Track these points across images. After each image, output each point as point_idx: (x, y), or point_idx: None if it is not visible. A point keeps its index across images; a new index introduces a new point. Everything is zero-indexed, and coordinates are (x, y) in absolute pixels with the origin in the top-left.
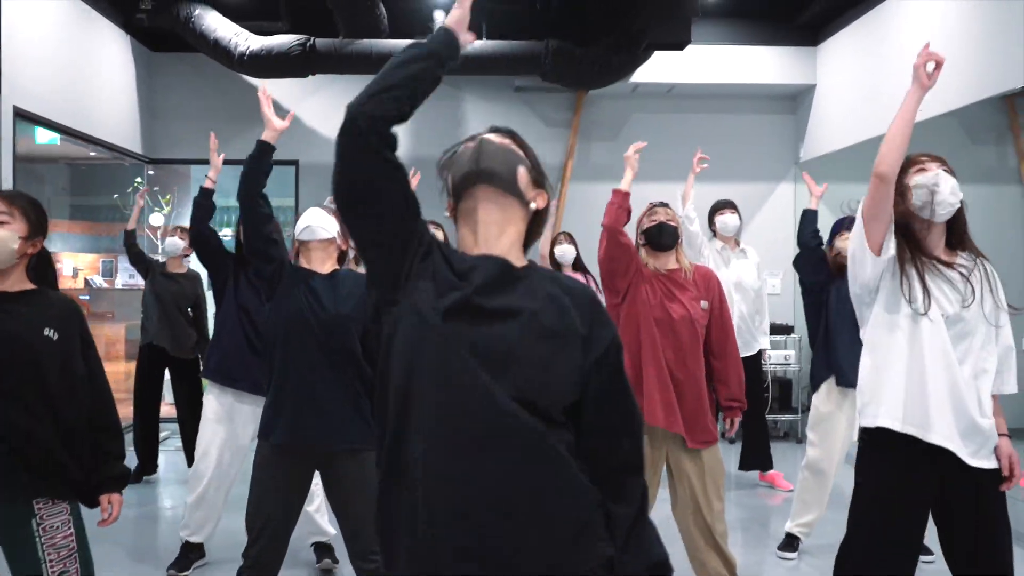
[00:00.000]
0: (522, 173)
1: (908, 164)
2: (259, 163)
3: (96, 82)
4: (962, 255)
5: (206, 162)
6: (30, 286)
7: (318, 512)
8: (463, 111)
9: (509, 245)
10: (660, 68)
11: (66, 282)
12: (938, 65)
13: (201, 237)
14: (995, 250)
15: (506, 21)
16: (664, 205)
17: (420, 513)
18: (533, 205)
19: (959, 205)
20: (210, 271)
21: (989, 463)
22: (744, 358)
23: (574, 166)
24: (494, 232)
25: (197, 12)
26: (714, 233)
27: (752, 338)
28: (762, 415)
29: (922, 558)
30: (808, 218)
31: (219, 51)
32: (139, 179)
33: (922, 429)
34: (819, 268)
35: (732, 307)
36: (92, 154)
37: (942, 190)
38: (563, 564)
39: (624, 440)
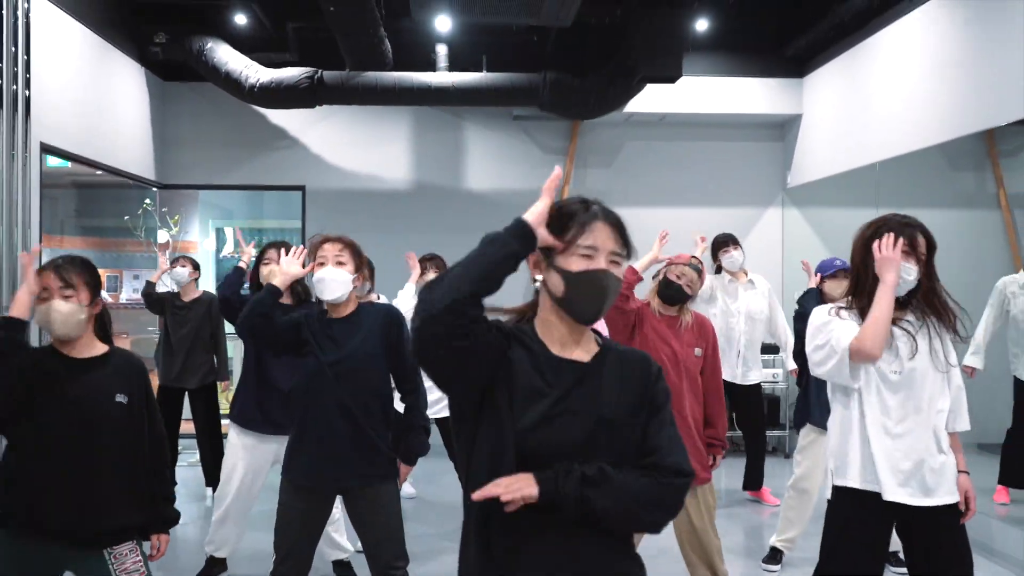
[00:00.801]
0: None
1: (903, 222)
2: (265, 305)
3: (113, 113)
4: (911, 313)
5: (214, 187)
6: (100, 348)
7: (337, 531)
8: (464, 139)
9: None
10: (653, 98)
11: None
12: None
13: (228, 303)
14: (976, 272)
15: (506, 54)
16: (695, 268)
17: None
18: None
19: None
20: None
21: (948, 499)
22: (749, 385)
23: (570, 192)
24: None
25: (209, 45)
26: (718, 268)
27: (757, 366)
28: (762, 437)
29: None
30: (810, 294)
31: (230, 83)
32: (148, 200)
33: (879, 486)
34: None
35: (741, 337)
36: (99, 173)
37: (905, 278)
38: None
39: None
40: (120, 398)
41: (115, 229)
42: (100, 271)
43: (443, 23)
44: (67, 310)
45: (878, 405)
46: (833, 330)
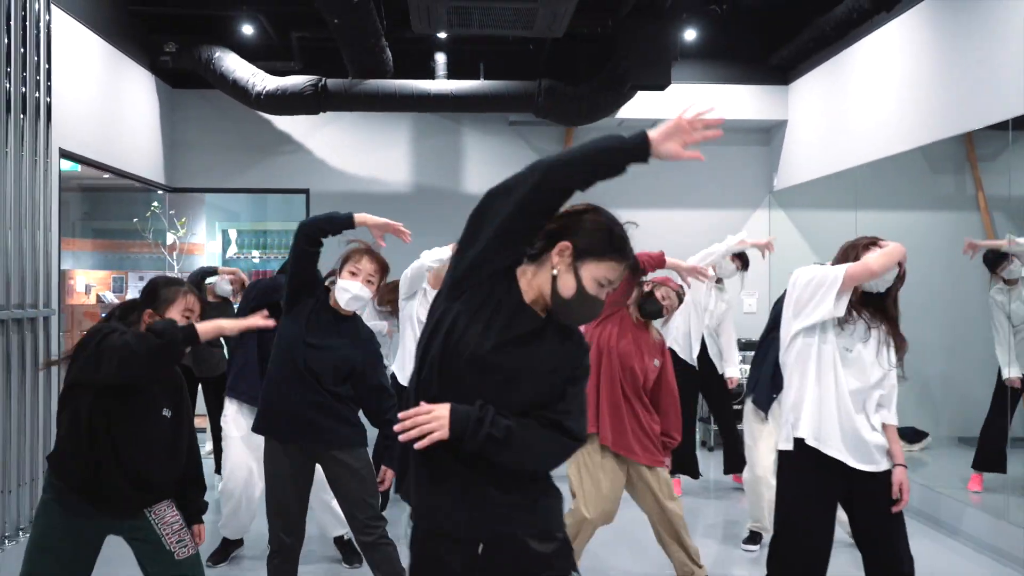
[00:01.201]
0: None
1: (872, 243)
2: (332, 224)
3: (124, 119)
4: (868, 312)
5: (221, 191)
6: None
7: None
8: (462, 143)
9: None
10: (644, 105)
11: (79, 298)
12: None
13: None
14: (954, 272)
15: (502, 62)
16: (679, 296)
17: None
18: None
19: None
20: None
21: (877, 467)
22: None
23: None
24: None
25: (217, 54)
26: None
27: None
28: (734, 426)
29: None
30: None
31: (237, 90)
32: (156, 203)
33: (822, 443)
34: None
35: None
36: (106, 176)
37: (885, 277)
38: None
39: None
40: (166, 412)
41: (122, 231)
42: (106, 272)
43: (442, 33)
44: None
45: (832, 374)
46: (827, 270)
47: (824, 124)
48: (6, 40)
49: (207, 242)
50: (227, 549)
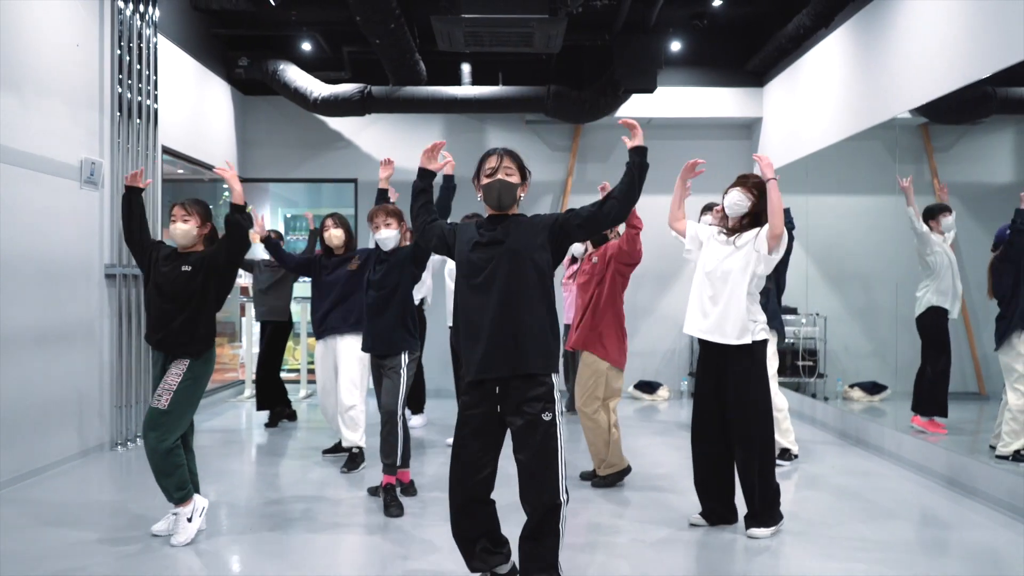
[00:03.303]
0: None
1: (733, 185)
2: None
3: (207, 122)
4: (748, 232)
5: (284, 180)
6: (200, 249)
7: (343, 423)
8: (485, 140)
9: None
10: (640, 105)
11: None
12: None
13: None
14: (910, 252)
15: (518, 71)
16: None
17: None
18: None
19: (746, 207)
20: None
21: (725, 340)
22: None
23: (573, 182)
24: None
25: (281, 67)
26: None
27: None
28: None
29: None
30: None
31: (298, 96)
32: (227, 193)
33: (688, 328)
34: None
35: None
36: (180, 171)
37: (727, 202)
38: None
39: None
40: (185, 268)
41: None
42: None
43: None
44: (184, 228)
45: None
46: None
47: (787, 119)
48: (128, 58)
49: (272, 226)
50: (355, 460)
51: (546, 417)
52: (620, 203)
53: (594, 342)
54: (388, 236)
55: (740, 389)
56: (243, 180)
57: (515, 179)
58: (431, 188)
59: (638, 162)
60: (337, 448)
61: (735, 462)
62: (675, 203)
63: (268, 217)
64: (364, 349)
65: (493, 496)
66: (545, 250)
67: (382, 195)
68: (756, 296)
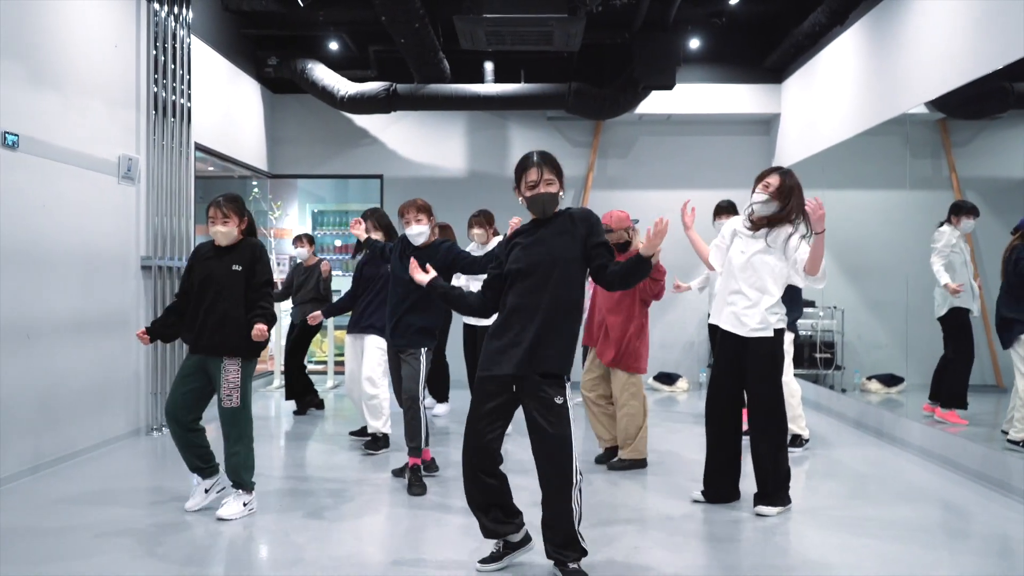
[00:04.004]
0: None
1: (759, 179)
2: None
3: (238, 119)
4: (780, 231)
5: (311, 176)
6: (235, 241)
7: (367, 411)
8: (508, 136)
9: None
10: (659, 102)
11: None
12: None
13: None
14: (924, 245)
15: (539, 69)
16: (610, 231)
17: None
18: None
19: (773, 208)
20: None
21: (745, 332)
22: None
23: (594, 178)
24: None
25: (309, 66)
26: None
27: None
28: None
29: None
30: None
31: (325, 94)
32: (256, 188)
33: (714, 318)
34: None
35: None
36: (210, 169)
37: (754, 202)
38: None
39: None
40: (236, 267)
41: None
42: None
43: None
44: (224, 230)
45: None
46: None
47: (809, 114)
48: (163, 58)
49: (300, 223)
50: (377, 443)
51: (558, 400)
52: (615, 282)
53: (632, 362)
54: (419, 232)
55: (757, 377)
56: (271, 176)
57: (555, 187)
58: (441, 282)
59: (644, 262)
60: (363, 432)
61: (750, 444)
62: (699, 249)
63: (296, 214)
64: (385, 339)
65: (506, 472)
66: (581, 264)
67: (368, 243)
68: (780, 291)
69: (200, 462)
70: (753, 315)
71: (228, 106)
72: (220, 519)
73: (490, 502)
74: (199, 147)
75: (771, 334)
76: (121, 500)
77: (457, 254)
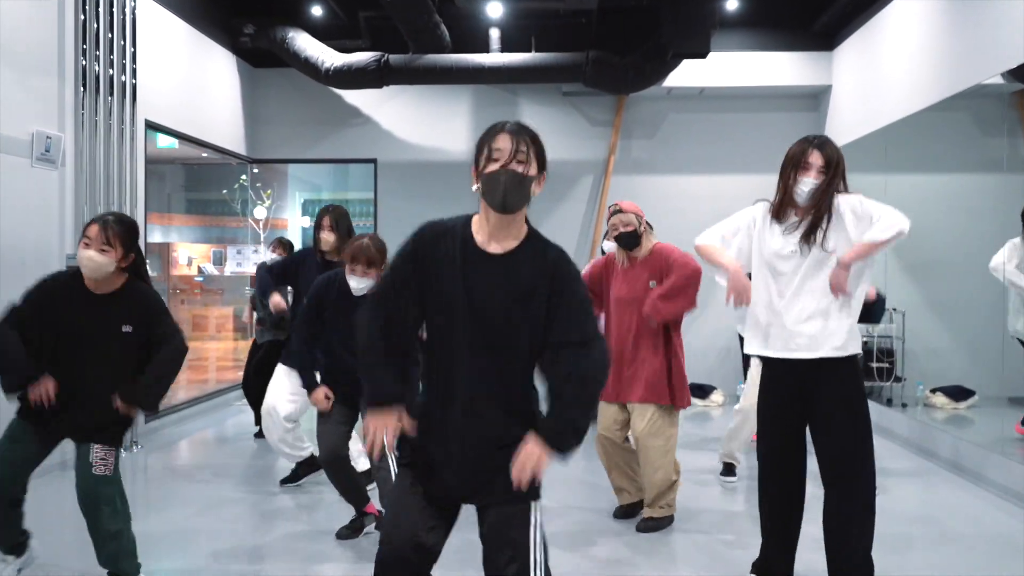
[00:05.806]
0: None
1: (794, 164)
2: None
3: (208, 95)
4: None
5: (300, 161)
6: (118, 285)
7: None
8: (519, 114)
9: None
10: (691, 73)
11: (181, 269)
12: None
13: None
14: (1003, 234)
15: (552, 36)
16: (619, 211)
17: None
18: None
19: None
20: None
21: (811, 354)
22: None
23: (616, 161)
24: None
25: (291, 35)
26: None
27: None
28: None
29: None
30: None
31: (309, 67)
32: (244, 176)
33: (764, 348)
34: None
35: None
36: (204, 155)
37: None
38: None
39: None
40: (125, 328)
41: (217, 203)
42: (207, 246)
43: (495, 9)
44: (99, 261)
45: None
46: None
47: (863, 87)
48: (95, 26)
49: (291, 215)
50: (297, 473)
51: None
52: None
53: (667, 393)
54: (365, 286)
55: (839, 414)
56: (254, 161)
57: (530, 170)
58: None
59: (582, 425)
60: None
61: (824, 510)
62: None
63: (288, 208)
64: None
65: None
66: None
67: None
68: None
69: (19, 536)
70: (830, 328)
71: (193, 79)
72: None
73: None
74: (152, 125)
75: (857, 351)
76: None
77: None
